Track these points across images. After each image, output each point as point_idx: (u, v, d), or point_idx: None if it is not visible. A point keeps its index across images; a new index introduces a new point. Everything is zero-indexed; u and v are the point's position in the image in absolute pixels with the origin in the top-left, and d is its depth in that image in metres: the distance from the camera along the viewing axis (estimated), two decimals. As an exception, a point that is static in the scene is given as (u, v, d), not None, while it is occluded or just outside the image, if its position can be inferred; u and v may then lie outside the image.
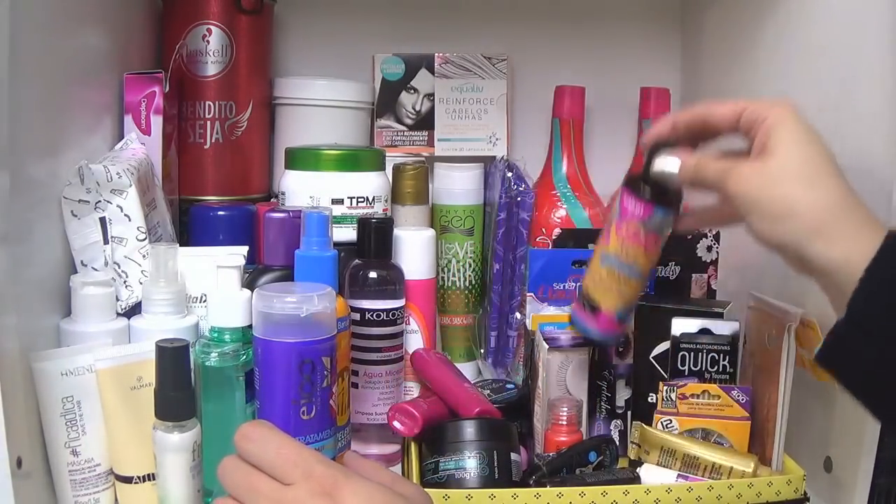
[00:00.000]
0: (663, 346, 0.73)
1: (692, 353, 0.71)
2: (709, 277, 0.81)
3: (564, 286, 0.79)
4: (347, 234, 0.77)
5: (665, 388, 0.68)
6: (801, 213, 0.50)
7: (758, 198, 0.52)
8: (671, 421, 0.68)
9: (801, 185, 0.51)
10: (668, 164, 0.59)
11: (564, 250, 0.81)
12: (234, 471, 0.45)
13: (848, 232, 0.49)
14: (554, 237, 0.85)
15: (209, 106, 0.88)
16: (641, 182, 0.61)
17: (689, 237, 0.81)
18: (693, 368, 0.71)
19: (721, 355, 0.71)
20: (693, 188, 0.59)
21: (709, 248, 0.81)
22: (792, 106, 0.54)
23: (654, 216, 0.62)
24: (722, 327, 0.71)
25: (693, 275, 0.81)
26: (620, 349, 0.75)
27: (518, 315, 0.88)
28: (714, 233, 0.81)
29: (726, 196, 0.55)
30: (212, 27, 0.88)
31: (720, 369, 0.71)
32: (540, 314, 0.78)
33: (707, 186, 0.57)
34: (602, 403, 0.75)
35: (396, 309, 0.75)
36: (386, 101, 1.00)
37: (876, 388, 0.49)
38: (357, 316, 0.73)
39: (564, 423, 0.70)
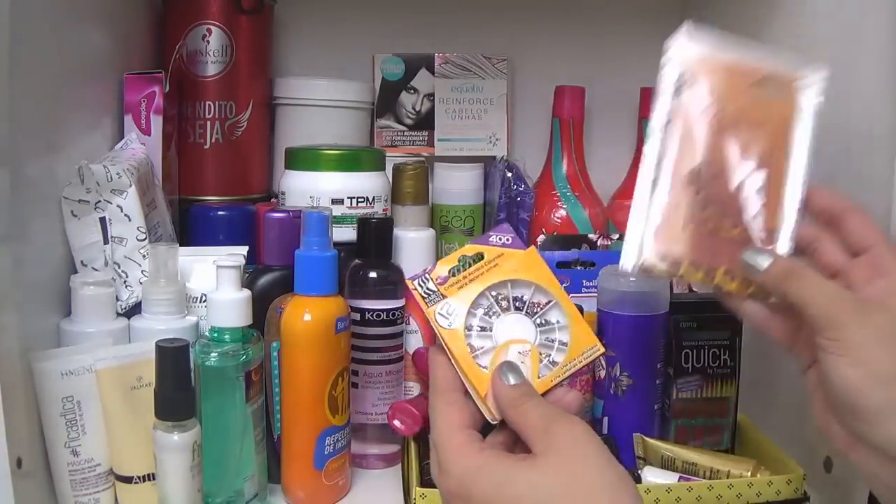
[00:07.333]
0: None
1: (694, 351, 0.72)
2: None
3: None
4: (347, 234, 0.77)
5: (413, 282, 0.52)
6: None
7: (876, 343, 0.45)
8: (448, 304, 0.51)
9: None
10: (759, 257, 0.50)
11: (549, 253, 0.81)
12: None
13: None
14: (538, 243, 0.85)
15: (209, 106, 0.88)
16: None
17: None
18: (696, 365, 0.72)
19: (722, 350, 0.72)
20: (774, 293, 0.51)
21: None
22: None
23: None
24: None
25: None
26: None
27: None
28: None
29: (819, 321, 0.47)
30: (212, 27, 0.88)
31: (721, 364, 0.72)
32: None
33: (794, 298, 0.48)
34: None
35: (396, 309, 0.75)
36: (386, 101, 1.00)
37: None
38: (357, 316, 0.73)
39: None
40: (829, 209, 0.53)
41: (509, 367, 0.48)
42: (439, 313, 0.51)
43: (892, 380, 0.45)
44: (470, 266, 0.52)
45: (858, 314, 0.46)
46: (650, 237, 0.52)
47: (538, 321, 0.51)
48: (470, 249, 0.53)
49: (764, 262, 0.50)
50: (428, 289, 0.51)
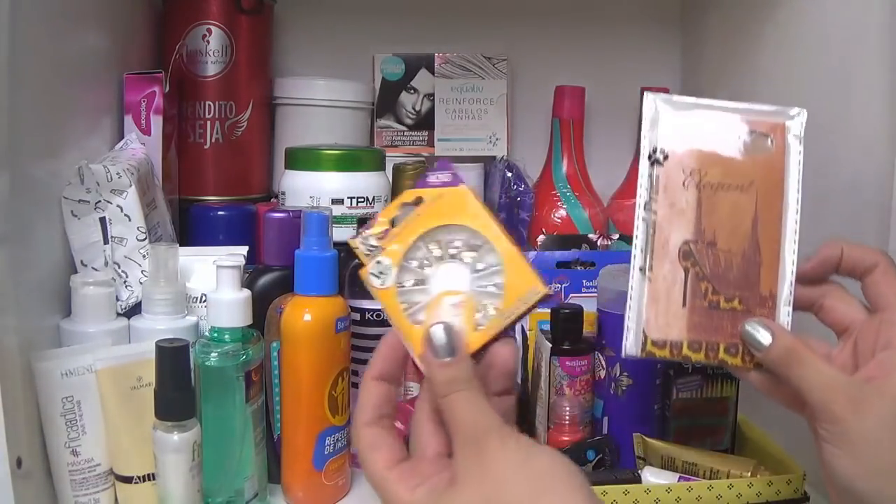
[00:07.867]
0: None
1: None
2: None
3: (550, 287, 0.80)
4: (347, 234, 0.77)
5: (355, 241, 0.49)
6: None
7: (872, 435, 0.45)
8: (380, 261, 0.47)
9: None
10: (759, 334, 0.49)
11: (548, 252, 0.81)
12: None
13: None
14: (539, 243, 0.85)
15: (209, 106, 0.88)
16: None
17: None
18: (696, 366, 0.71)
19: None
20: (774, 373, 0.50)
21: None
22: None
23: None
24: None
25: None
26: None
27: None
28: None
29: (816, 411, 0.47)
30: (212, 27, 0.88)
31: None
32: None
33: (794, 383, 0.48)
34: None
35: (396, 309, 0.75)
36: (386, 101, 1.00)
37: None
38: (357, 316, 0.73)
39: (567, 422, 0.71)
40: (860, 264, 0.51)
41: (438, 333, 0.43)
42: (371, 273, 0.46)
43: (889, 472, 0.45)
44: (410, 214, 0.48)
45: (854, 406, 0.46)
46: (648, 323, 0.51)
47: (474, 267, 0.45)
48: (409, 195, 0.47)
49: (765, 341, 0.49)
50: (370, 245, 0.47)
